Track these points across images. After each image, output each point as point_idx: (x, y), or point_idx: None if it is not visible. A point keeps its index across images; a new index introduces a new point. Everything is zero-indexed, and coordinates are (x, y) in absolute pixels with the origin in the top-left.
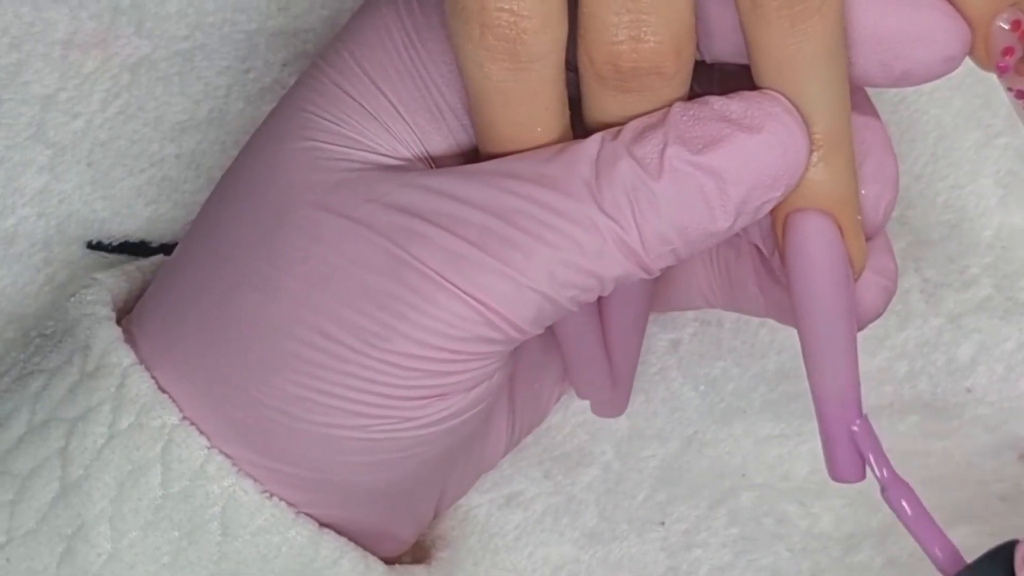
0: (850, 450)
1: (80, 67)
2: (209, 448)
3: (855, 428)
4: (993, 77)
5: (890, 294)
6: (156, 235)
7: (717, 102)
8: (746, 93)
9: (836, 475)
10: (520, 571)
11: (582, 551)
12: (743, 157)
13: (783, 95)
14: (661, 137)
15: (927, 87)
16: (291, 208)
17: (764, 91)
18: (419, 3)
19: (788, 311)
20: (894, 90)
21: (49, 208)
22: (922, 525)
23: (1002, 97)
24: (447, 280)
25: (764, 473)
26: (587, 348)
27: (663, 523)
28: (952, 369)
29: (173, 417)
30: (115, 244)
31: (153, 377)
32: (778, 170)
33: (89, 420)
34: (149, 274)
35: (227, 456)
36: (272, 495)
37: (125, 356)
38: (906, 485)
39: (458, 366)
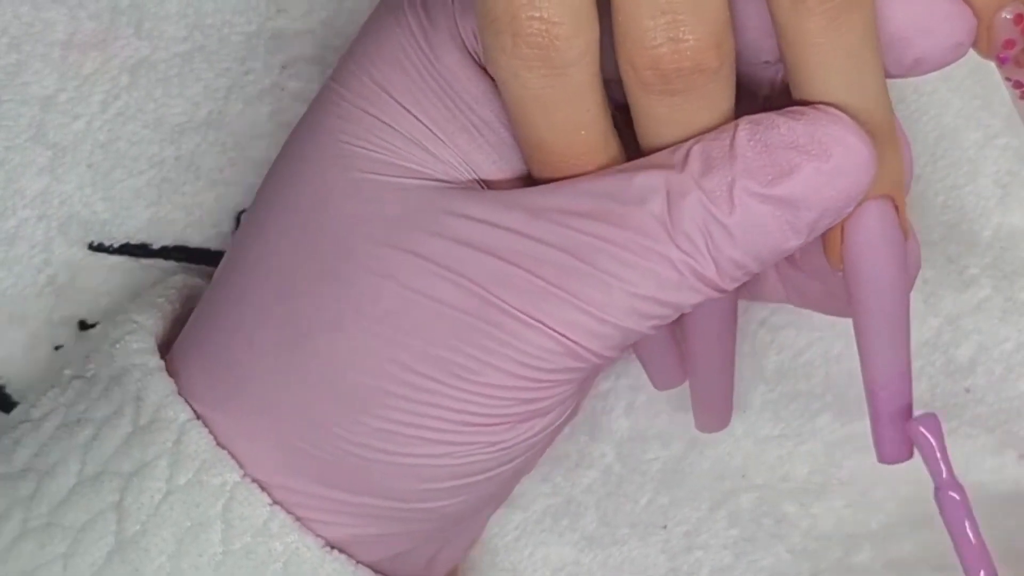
0: (900, 431)
1: (79, 68)
2: (272, 504)
3: (922, 429)
4: (992, 78)
5: (917, 271)
6: (156, 237)
7: (783, 125)
8: (809, 113)
9: (886, 457)
10: (520, 572)
11: (582, 553)
12: (814, 186)
13: (840, 108)
14: (730, 169)
15: (926, 87)
16: (354, 246)
17: (826, 110)
18: (431, 23)
19: (808, 296)
20: (892, 91)
21: (50, 210)
22: (968, 538)
23: (1001, 97)
24: (532, 318)
25: (764, 474)
26: (658, 340)
27: (664, 526)
28: (951, 370)
29: (234, 475)
30: (116, 246)
31: (211, 431)
32: (849, 192)
33: (145, 475)
34: (177, 303)
35: (290, 513)
36: (333, 548)
37: (181, 411)
38: (962, 491)
39: (544, 392)
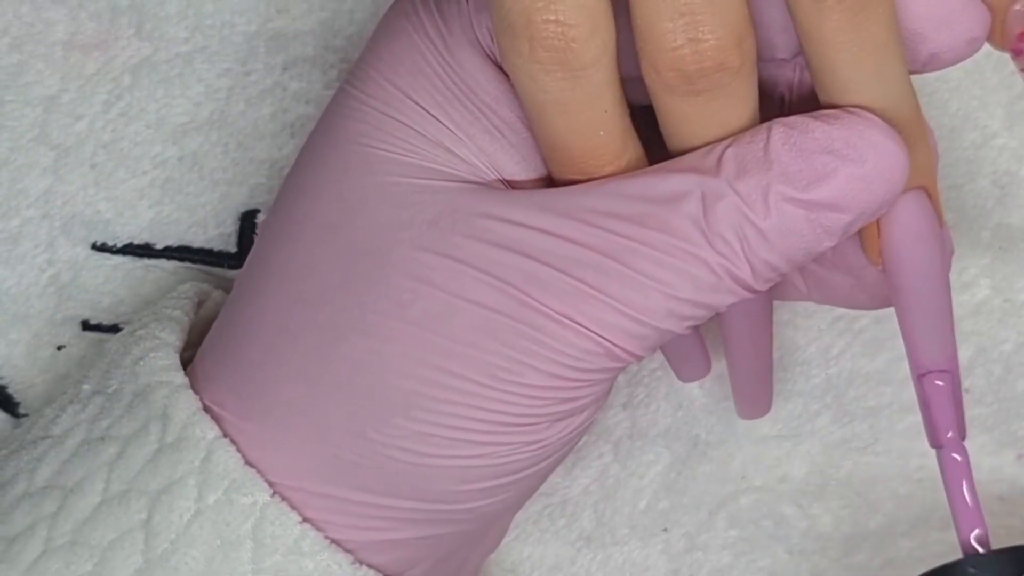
0: (954, 417)
1: (81, 68)
2: (302, 523)
3: (938, 383)
4: (989, 79)
5: (951, 255)
6: (160, 237)
7: (818, 129)
8: (843, 117)
9: (937, 443)
10: (519, 572)
11: (580, 553)
12: (850, 190)
13: (869, 108)
14: (765, 174)
15: (924, 88)
16: (387, 250)
17: (859, 113)
18: (445, 25)
19: (834, 291)
20: None
21: (53, 209)
22: (963, 497)
23: (999, 98)
24: (570, 320)
25: (763, 475)
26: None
27: (665, 529)
28: None
29: (264, 494)
30: (119, 246)
31: (239, 449)
32: (884, 195)
33: (174, 494)
34: (192, 313)
35: (327, 521)
36: (362, 564)
37: (209, 429)
38: (964, 452)
39: (581, 391)
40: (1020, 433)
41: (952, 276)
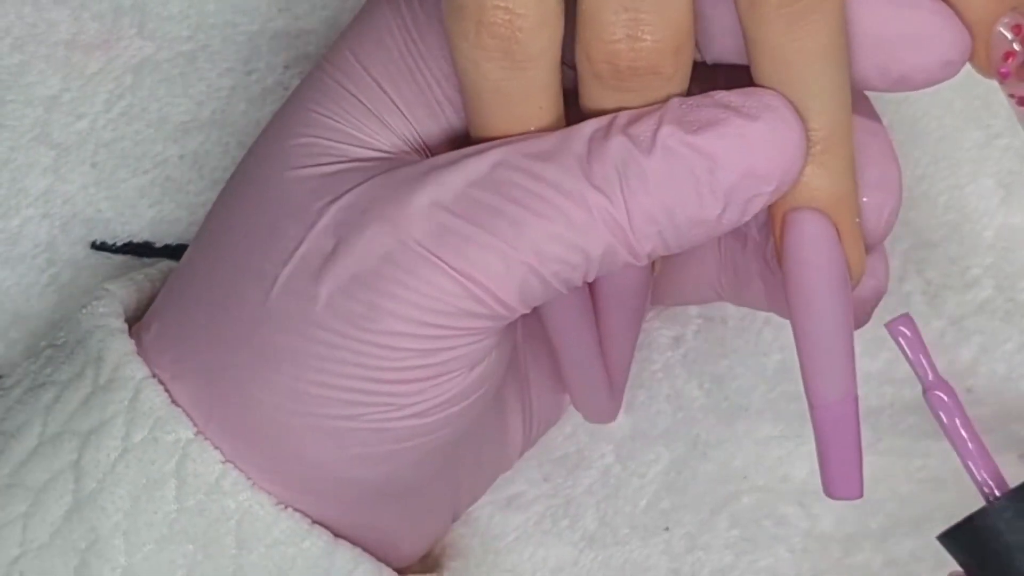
0: (848, 461)
1: (83, 68)
2: (224, 462)
3: (902, 328)
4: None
5: (879, 295)
6: (160, 236)
7: (718, 93)
8: (746, 88)
9: (832, 491)
10: (520, 573)
11: (582, 553)
12: (736, 142)
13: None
14: (657, 118)
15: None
16: (286, 201)
17: (764, 88)
18: (420, 2)
19: (749, 295)
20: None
21: (53, 209)
22: (962, 435)
23: (1002, 99)
24: (432, 253)
25: (765, 475)
26: (583, 355)
27: (667, 528)
28: (953, 371)
29: (188, 431)
30: (119, 245)
31: (167, 390)
32: (771, 161)
33: (102, 433)
34: (158, 282)
35: (241, 470)
36: (287, 506)
37: (138, 369)
38: (950, 389)
39: (447, 343)
40: (1022, 434)
41: (955, 276)
